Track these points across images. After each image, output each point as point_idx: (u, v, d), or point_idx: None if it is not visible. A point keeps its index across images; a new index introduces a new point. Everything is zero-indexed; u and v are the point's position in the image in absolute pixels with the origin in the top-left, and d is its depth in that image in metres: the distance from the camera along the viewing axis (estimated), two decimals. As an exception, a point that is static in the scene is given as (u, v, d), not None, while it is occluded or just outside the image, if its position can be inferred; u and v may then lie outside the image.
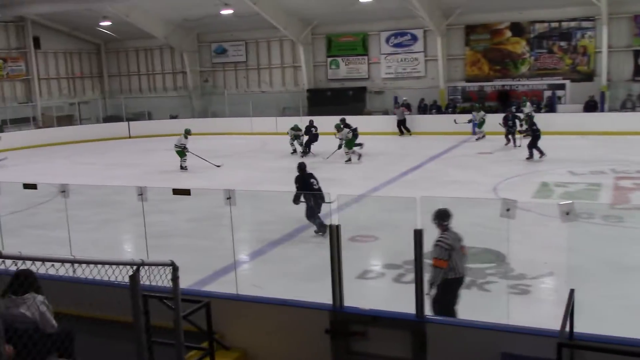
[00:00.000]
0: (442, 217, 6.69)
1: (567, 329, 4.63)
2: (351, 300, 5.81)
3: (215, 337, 5.85)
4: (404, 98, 28.63)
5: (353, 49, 30.62)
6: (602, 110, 25.32)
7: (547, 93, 26.88)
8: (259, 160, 21.43)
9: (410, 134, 26.84)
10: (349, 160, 20.19)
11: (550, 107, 26.31)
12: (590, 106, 25.43)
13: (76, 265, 3.97)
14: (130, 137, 30.63)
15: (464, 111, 26.40)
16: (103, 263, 4.19)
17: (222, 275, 8.97)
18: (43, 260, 3.71)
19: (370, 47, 30.28)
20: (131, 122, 31.39)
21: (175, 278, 5.04)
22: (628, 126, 23.74)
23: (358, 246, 10.46)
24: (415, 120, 27.32)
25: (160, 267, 5.00)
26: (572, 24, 26.36)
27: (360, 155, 20.54)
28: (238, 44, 32.89)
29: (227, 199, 6.63)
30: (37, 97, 32.05)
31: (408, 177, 17.27)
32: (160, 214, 11.99)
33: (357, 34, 30.35)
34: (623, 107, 25.46)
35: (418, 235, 5.30)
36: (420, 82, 29.45)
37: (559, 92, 26.69)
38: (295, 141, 22.51)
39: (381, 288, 9.13)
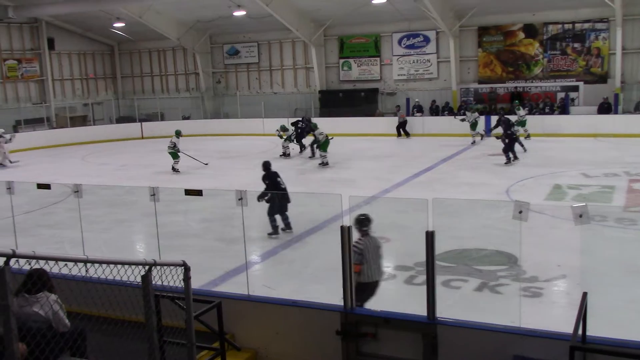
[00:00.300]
0: (361, 223, 6.87)
1: (580, 332, 4.59)
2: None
3: (227, 338, 5.87)
4: (416, 100, 28.62)
5: (365, 51, 30.61)
6: (616, 112, 25.12)
7: (560, 95, 26.72)
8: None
9: (409, 137, 26.87)
10: (322, 163, 19.83)
11: (563, 109, 26.17)
12: (604, 108, 25.25)
13: (89, 264, 3.99)
14: (142, 137, 30.79)
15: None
16: (115, 263, 4.22)
17: (233, 276, 9.00)
18: (56, 259, 3.74)
19: (383, 49, 30.26)
20: (144, 123, 31.54)
21: (187, 278, 5.06)
22: (642, 128, 23.57)
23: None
24: (427, 122, 27.26)
25: (172, 267, 5.02)
26: (586, 25, 26.18)
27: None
28: (250, 45, 32.97)
29: (239, 199, 6.65)
30: (51, 98, 32.28)
31: (420, 179, 17.23)
32: (172, 215, 12.04)
33: (369, 36, 30.33)
34: (637, 109, 25.26)
35: (430, 237, 5.29)
36: (432, 84, 29.40)
37: (573, 94, 26.52)
38: (288, 142, 22.31)
39: (392, 289, 9.10)
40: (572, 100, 26.45)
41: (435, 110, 28.37)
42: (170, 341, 5.09)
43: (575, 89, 26.59)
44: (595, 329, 4.86)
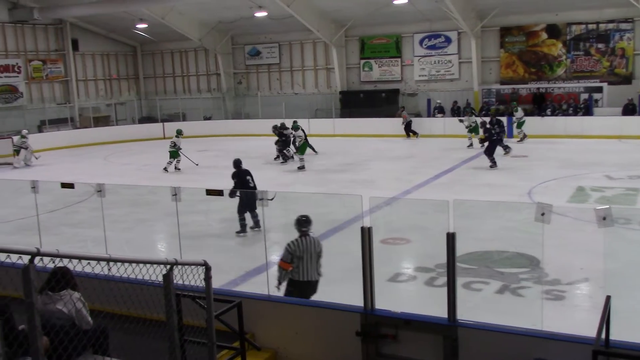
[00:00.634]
0: (300, 223, 7.24)
1: (603, 336, 4.54)
2: (382, 302, 5.79)
3: (247, 337, 5.89)
4: (438, 101, 28.48)
5: (386, 51, 30.54)
6: (641, 114, 24.82)
7: (584, 96, 26.43)
8: (291, 162, 21.47)
9: (417, 137, 26.85)
10: (303, 167, 19.65)
11: (587, 110, 25.87)
12: (629, 109, 24.92)
13: (111, 263, 4.03)
14: (164, 137, 30.91)
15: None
16: (137, 262, 4.25)
17: (253, 276, 9.03)
18: (79, 258, 3.78)
19: (404, 49, 30.17)
20: (166, 123, 31.76)
21: (207, 278, 5.09)
22: (668, 130, 23.24)
23: (390, 249, 10.43)
24: (448, 123, 27.12)
25: (193, 266, 5.05)
26: (610, 25, 25.86)
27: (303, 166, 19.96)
28: (272, 46, 33.08)
29: (259, 199, 6.68)
30: (75, 98, 32.68)
31: (441, 180, 17.14)
32: (193, 214, 12.11)
33: (390, 36, 30.27)
34: (663, 111, 24.93)
35: (451, 238, 5.26)
36: (453, 85, 29.25)
37: (596, 95, 26.22)
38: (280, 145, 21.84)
39: (412, 291, 9.08)
40: (596, 101, 26.15)
41: (456, 111, 28.21)
42: (191, 340, 5.12)
43: (599, 90, 26.27)
44: (619, 333, 4.80)
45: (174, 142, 20.54)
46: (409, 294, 9.01)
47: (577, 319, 7.57)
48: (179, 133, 20.98)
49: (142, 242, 12.17)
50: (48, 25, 31.48)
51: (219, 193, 7.82)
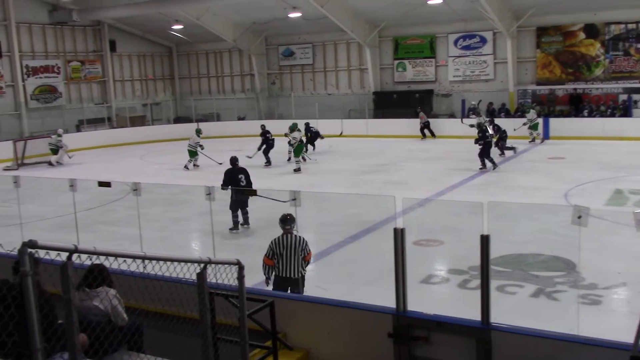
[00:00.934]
0: (284, 222, 7.52)
1: (641, 342, 4.44)
2: (415, 304, 5.76)
3: (279, 337, 5.91)
4: (472, 102, 27.86)
5: (420, 52, 30.35)
6: (682, 115, 24.23)
7: (623, 97, 25.90)
8: (324, 162, 21.50)
9: (434, 137, 26.81)
10: (299, 169, 19.57)
11: (625, 112, 25.34)
12: (670, 111, 24.37)
13: (146, 261, 4.09)
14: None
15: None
16: (172, 260, 4.30)
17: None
18: (115, 255, 3.85)
19: (438, 50, 29.95)
20: (200, 123, 32.07)
21: (241, 277, 5.12)
22: None
23: (422, 250, 10.37)
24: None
25: (227, 265, 5.09)
26: (651, 25, 25.31)
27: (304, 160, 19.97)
28: (305, 47, 33.15)
29: (292, 200, 6.71)
30: (112, 98, 33.25)
31: (475, 182, 16.98)
32: (227, 214, 12.20)
33: (424, 37, 30.08)
34: None
35: (485, 240, 5.20)
36: (488, 85, 28.92)
37: (636, 96, 25.65)
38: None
39: (445, 293, 9.01)
40: (635, 102, 25.59)
41: (492, 113, 27.81)
42: (223, 338, 5.16)
43: (638, 91, 25.70)
44: (658, 339, 4.69)
45: (198, 143, 20.93)
46: (441, 296, 8.95)
47: (614, 324, 7.44)
48: (199, 132, 21.33)
49: (176, 240, 12.31)
50: (86, 26, 32.08)
51: (254, 193, 7.89)
